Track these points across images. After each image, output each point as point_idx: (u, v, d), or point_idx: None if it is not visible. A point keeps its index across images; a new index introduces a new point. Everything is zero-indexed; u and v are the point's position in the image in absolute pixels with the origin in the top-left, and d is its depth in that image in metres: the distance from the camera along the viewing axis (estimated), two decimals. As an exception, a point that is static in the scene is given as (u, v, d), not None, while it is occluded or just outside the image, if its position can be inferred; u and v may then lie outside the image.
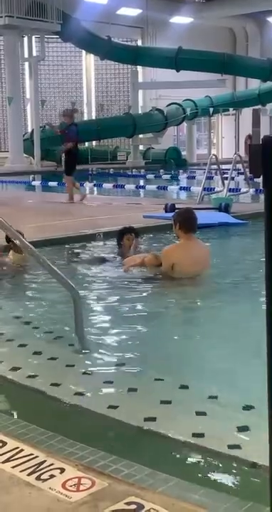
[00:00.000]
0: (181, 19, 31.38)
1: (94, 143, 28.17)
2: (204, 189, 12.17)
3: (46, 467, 2.31)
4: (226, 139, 35.71)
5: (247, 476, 2.38)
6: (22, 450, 2.44)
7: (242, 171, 14.83)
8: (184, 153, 29.68)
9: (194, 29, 31.37)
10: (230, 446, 2.57)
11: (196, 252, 5.81)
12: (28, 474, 2.27)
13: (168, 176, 20.67)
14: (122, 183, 17.71)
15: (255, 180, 13.05)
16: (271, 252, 1.41)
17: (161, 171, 22.74)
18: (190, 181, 18.87)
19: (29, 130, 26.02)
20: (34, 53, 24.28)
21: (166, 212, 9.57)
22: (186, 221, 5.78)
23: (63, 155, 11.71)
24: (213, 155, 13.35)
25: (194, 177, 19.86)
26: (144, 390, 3.25)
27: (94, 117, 30.27)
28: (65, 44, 28.46)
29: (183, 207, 7.06)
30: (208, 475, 2.41)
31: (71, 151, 12.01)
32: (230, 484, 2.32)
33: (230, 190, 12.13)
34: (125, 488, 2.16)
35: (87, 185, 16.96)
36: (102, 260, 6.89)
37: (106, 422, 2.87)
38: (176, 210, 6.70)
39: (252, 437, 2.64)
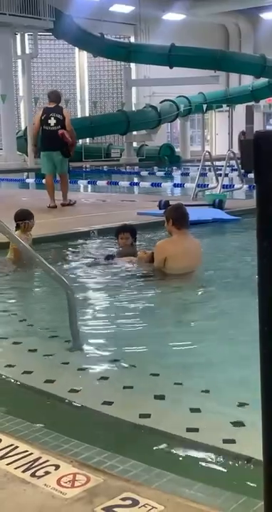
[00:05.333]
0: (173, 16, 31.36)
1: (87, 140, 28.13)
2: (198, 186, 12.18)
3: (41, 464, 2.31)
4: (219, 135, 35.72)
5: (241, 470, 2.39)
6: (17, 447, 2.44)
7: (236, 167, 14.86)
8: (177, 150, 29.68)
9: (186, 26, 31.36)
10: (225, 441, 2.58)
11: (189, 246, 5.82)
12: (23, 471, 2.27)
13: (162, 173, 20.67)
14: (115, 180, 17.69)
15: (248, 176, 13.05)
16: (263, 246, 1.42)
17: (155, 167, 22.73)
18: (184, 178, 18.87)
19: (22, 128, 25.98)
20: (27, 51, 24.20)
21: (160, 209, 9.57)
22: (179, 218, 5.78)
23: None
24: (207, 151, 13.37)
25: (187, 174, 19.86)
26: (138, 386, 3.25)
27: (87, 114, 30.21)
28: (58, 41, 28.39)
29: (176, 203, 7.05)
30: (203, 470, 2.42)
31: None
32: (224, 479, 2.33)
33: (224, 186, 12.15)
34: (120, 484, 2.16)
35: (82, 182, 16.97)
36: (96, 257, 6.89)
37: (101, 418, 2.88)
38: (168, 207, 6.69)
39: (247, 432, 2.65)
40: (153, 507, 2.03)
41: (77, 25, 24.52)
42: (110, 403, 2.99)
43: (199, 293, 5.47)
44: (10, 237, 4.40)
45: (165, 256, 5.72)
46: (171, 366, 3.60)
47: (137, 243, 7.08)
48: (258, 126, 33.42)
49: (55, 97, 11.30)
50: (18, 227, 6.57)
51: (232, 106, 31.35)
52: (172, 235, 5.85)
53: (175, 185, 16.27)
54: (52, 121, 10.85)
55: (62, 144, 10.86)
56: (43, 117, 10.92)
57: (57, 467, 2.29)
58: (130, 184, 16.99)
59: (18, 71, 26.09)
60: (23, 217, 6.67)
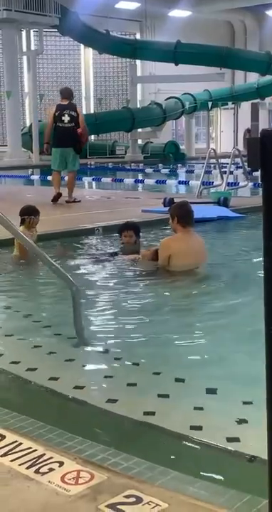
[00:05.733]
0: (179, 12, 31.30)
1: (92, 137, 28.13)
2: (203, 183, 12.16)
3: (45, 460, 2.31)
4: (224, 133, 35.68)
5: (246, 469, 2.39)
6: (21, 443, 2.44)
7: (241, 164, 14.84)
8: (182, 147, 29.65)
9: (192, 23, 31.29)
10: (229, 439, 2.57)
11: (193, 244, 5.81)
12: (27, 468, 2.27)
13: (167, 170, 20.65)
14: (120, 178, 17.68)
15: (253, 174, 13.03)
16: (269, 244, 1.41)
17: (160, 165, 22.71)
18: (189, 175, 18.85)
19: (27, 124, 26.00)
20: (32, 47, 24.18)
21: (164, 206, 9.56)
22: (184, 215, 5.77)
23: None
24: (212, 149, 13.34)
25: (192, 171, 19.84)
26: (143, 383, 3.25)
27: (92, 111, 30.21)
28: (63, 38, 28.39)
29: (180, 200, 7.04)
30: (207, 468, 2.42)
31: None
32: (228, 477, 2.33)
33: (228, 184, 12.12)
34: (124, 482, 2.17)
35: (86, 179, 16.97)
36: (101, 255, 6.89)
37: (105, 415, 2.88)
38: (173, 204, 6.67)
39: (251, 430, 2.65)
40: (157, 504, 2.03)
41: (83, 22, 24.51)
42: (114, 400, 2.99)
43: (203, 291, 5.46)
44: (14, 233, 4.40)
45: (169, 253, 5.71)
46: (175, 364, 3.60)
47: (142, 240, 7.07)
48: (263, 123, 33.37)
49: (67, 93, 11.43)
50: (23, 222, 6.59)
51: (237, 103, 31.29)
52: (177, 232, 5.84)
53: (180, 183, 16.26)
54: (66, 118, 11.01)
55: (75, 141, 11.04)
56: (56, 114, 11.05)
57: (61, 464, 2.29)
58: (135, 181, 16.98)
59: (24, 67, 26.12)
60: (29, 213, 6.68)
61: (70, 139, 10.99)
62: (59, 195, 11.00)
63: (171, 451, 2.56)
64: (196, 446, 2.57)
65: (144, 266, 6.03)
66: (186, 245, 5.72)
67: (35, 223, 6.71)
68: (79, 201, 11.26)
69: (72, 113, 11.07)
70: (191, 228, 5.88)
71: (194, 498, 2.07)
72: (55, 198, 10.96)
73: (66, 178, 11.58)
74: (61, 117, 11.01)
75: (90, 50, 30.57)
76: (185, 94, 28.11)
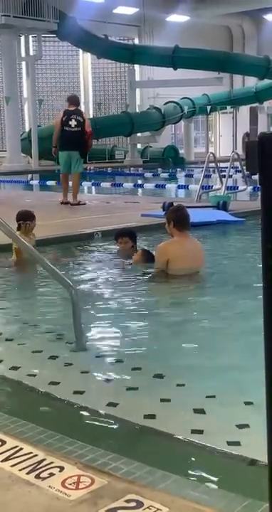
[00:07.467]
0: (177, 17, 31.36)
1: (92, 142, 28.15)
2: (202, 187, 12.18)
3: (45, 465, 2.31)
4: (223, 137, 35.72)
5: (246, 472, 2.39)
6: (21, 449, 2.44)
7: (240, 168, 14.85)
8: (181, 151, 29.68)
9: (190, 27, 31.36)
10: (229, 443, 2.57)
11: (190, 248, 5.80)
12: (28, 473, 2.27)
13: (166, 175, 20.66)
14: (120, 182, 17.69)
15: (252, 178, 13.04)
16: (268, 248, 1.41)
17: (159, 169, 22.73)
18: (188, 179, 18.87)
19: (27, 129, 26.03)
20: (31, 52, 24.24)
21: (164, 210, 9.55)
22: (180, 219, 5.77)
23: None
24: (211, 153, 13.35)
25: (191, 175, 19.85)
26: (143, 387, 3.25)
27: (91, 116, 30.25)
28: (62, 43, 28.44)
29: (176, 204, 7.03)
30: (208, 472, 2.41)
31: None
32: (229, 481, 2.33)
33: (228, 188, 12.13)
34: (125, 486, 2.16)
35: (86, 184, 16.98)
36: (100, 259, 6.89)
37: (105, 419, 2.88)
38: (169, 208, 6.67)
39: (251, 434, 2.65)
40: (157, 509, 2.02)
41: (81, 27, 24.55)
42: (114, 405, 2.99)
43: (202, 295, 5.46)
44: (12, 237, 4.40)
45: (167, 258, 5.71)
46: (175, 367, 3.60)
47: (142, 245, 7.07)
48: (262, 127, 33.40)
49: (74, 100, 12.15)
50: (19, 227, 6.59)
51: (236, 107, 31.33)
52: (173, 236, 5.83)
53: (179, 187, 16.26)
54: (73, 123, 11.60)
55: (81, 145, 11.62)
56: (63, 118, 11.60)
57: (61, 469, 2.28)
58: (134, 186, 16.98)
59: (23, 73, 26.16)
60: (24, 218, 6.67)
61: (76, 143, 11.50)
62: (66, 203, 11.47)
63: (172, 456, 2.56)
64: (196, 450, 2.56)
65: (142, 270, 6.03)
66: (183, 249, 5.71)
67: (31, 228, 6.71)
68: (84, 204, 11.57)
69: (79, 118, 11.62)
70: (187, 232, 5.88)
71: (194, 502, 2.06)
72: (63, 203, 11.53)
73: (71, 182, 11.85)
74: (68, 122, 11.54)
75: (88, 55, 30.61)
76: (184, 98, 28.15)
